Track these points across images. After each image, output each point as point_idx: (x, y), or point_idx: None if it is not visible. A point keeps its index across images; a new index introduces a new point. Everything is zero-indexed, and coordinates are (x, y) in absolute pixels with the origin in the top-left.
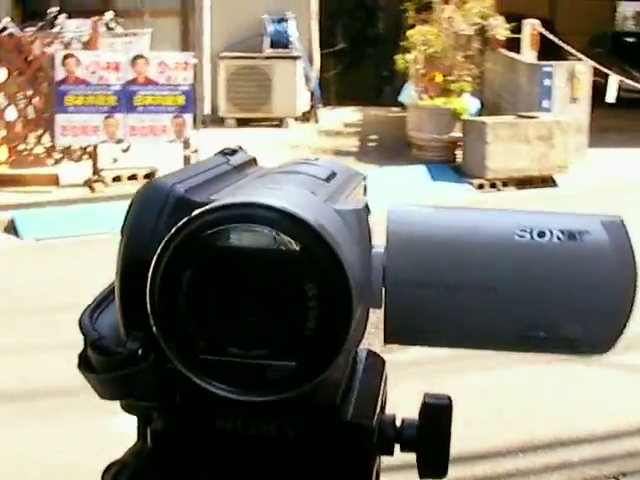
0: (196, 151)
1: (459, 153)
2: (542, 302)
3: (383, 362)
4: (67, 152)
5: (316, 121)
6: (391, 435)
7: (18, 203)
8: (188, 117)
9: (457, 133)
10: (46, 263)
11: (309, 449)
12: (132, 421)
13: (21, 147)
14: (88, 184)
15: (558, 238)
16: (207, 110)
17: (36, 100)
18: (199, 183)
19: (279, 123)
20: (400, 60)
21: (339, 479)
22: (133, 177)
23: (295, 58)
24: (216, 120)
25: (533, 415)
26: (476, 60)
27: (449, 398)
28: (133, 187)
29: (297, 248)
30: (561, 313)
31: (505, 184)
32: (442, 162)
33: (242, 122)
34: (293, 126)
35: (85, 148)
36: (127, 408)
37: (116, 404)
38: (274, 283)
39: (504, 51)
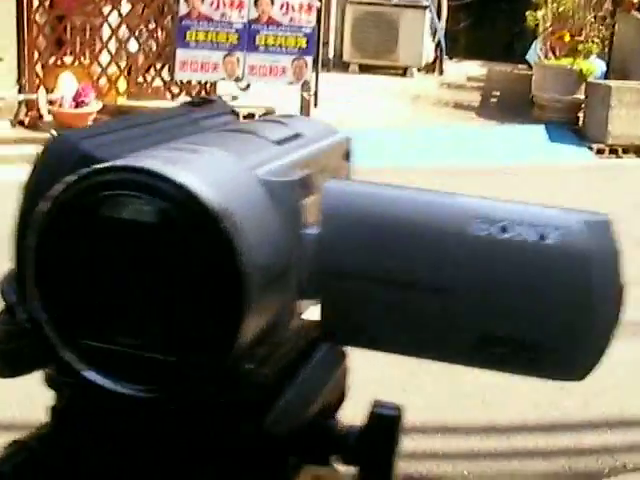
0: (315, 94)
1: (581, 116)
2: (502, 311)
3: (343, 356)
4: (185, 87)
5: (440, 73)
6: (324, 444)
7: None
8: (309, 60)
9: (581, 95)
10: None
11: (220, 450)
12: None
13: (140, 79)
14: None
15: (523, 235)
16: (331, 54)
17: (158, 34)
18: (122, 138)
19: (402, 72)
20: (530, 17)
21: None
22: (250, 116)
23: (423, 7)
24: (339, 65)
25: None
26: (607, 22)
27: (399, 408)
28: None
29: (181, 223)
30: (525, 326)
31: (625, 151)
32: (563, 124)
33: (365, 68)
34: (416, 76)
35: (203, 84)
36: (49, 383)
37: None
38: (153, 262)
39: (638, 14)
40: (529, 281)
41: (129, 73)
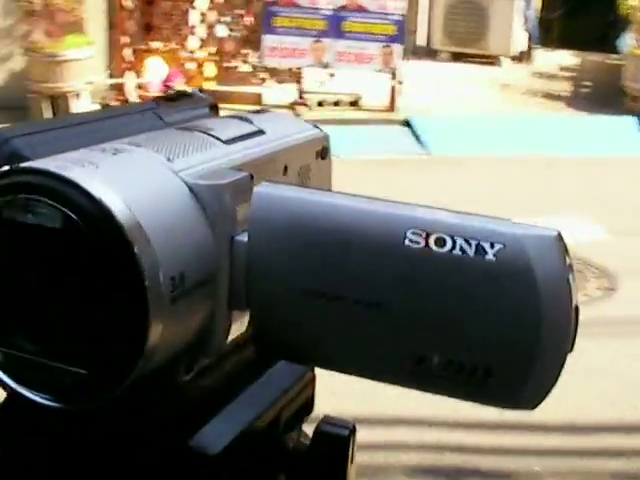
0: (401, 82)
1: None
2: (438, 331)
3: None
4: (273, 73)
5: (531, 62)
6: (271, 461)
7: None
8: (397, 47)
9: None
10: None
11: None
12: None
13: (228, 65)
14: (291, 106)
15: (461, 249)
16: (421, 42)
17: (247, 19)
18: (59, 137)
19: (493, 61)
20: (622, 5)
21: None
22: (337, 103)
23: None
24: (429, 52)
25: None
26: None
27: (352, 427)
28: (336, 113)
29: (83, 229)
30: (461, 349)
31: None
32: None
33: (455, 56)
34: (507, 65)
35: (291, 70)
36: None
37: None
38: (58, 268)
39: None
40: (467, 300)
41: (218, 58)
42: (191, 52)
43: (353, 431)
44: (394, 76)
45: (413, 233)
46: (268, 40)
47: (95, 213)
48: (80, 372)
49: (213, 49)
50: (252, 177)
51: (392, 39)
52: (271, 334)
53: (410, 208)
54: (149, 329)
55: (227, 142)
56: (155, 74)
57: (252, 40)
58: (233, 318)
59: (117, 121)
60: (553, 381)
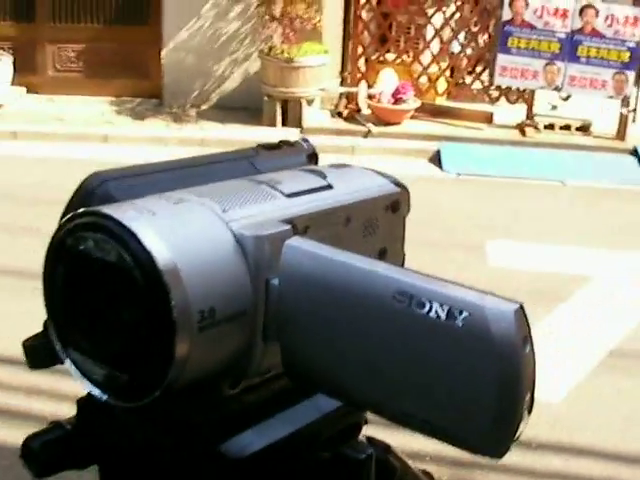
0: (635, 110)
1: None
2: (418, 384)
3: None
4: (504, 92)
5: None
6: (294, 474)
7: (447, 135)
8: (630, 74)
9: None
10: (462, 198)
11: (183, 469)
12: None
13: (460, 81)
14: (520, 127)
15: (436, 313)
16: None
17: (481, 37)
18: (148, 182)
19: None
20: None
21: None
22: (566, 127)
23: None
24: None
25: None
26: None
27: (369, 454)
28: (564, 137)
29: (131, 267)
30: (434, 402)
31: None
32: None
33: None
34: None
35: (522, 91)
36: None
37: None
38: (113, 294)
39: None
40: (435, 358)
41: (450, 74)
42: (424, 66)
43: (371, 456)
44: (626, 103)
45: (399, 294)
46: (501, 59)
47: (141, 255)
48: (124, 376)
49: (446, 64)
50: (306, 229)
51: (626, 66)
52: (296, 366)
53: (401, 271)
54: (175, 350)
55: (289, 196)
56: (387, 85)
57: (485, 58)
58: (272, 348)
59: (209, 168)
60: (512, 437)
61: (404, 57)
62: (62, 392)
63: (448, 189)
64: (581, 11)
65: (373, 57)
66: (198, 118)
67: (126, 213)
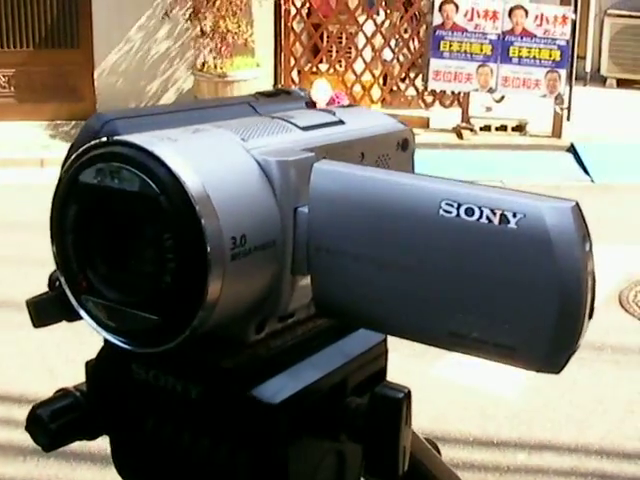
0: (568, 108)
1: None
2: (471, 295)
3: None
4: (438, 97)
5: None
6: (332, 421)
7: None
8: (562, 73)
9: None
10: None
11: (213, 416)
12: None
13: (394, 88)
14: (456, 130)
15: (488, 218)
16: (588, 68)
17: (412, 43)
18: (153, 122)
19: None
20: None
21: (244, 456)
22: (502, 128)
23: None
24: (597, 79)
25: None
26: None
27: (406, 392)
28: (501, 137)
29: (157, 194)
30: (491, 313)
31: None
32: None
33: (624, 83)
34: None
35: (457, 94)
36: None
37: None
38: (136, 228)
39: None
40: (490, 265)
41: (383, 81)
42: (357, 75)
43: (408, 395)
44: (560, 101)
45: (447, 203)
46: (434, 64)
47: (167, 181)
48: (151, 318)
49: (379, 72)
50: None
51: (557, 64)
52: (327, 297)
53: (444, 182)
54: (208, 281)
55: (304, 129)
56: (321, 96)
57: (418, 64)
58: (299, 283)
59: (212, 110)
60: (574, 346)
61: (337, 66)
62: None
63: None
64: (510, 12)
65: (306, 68)
66: None
67: (146, 139)
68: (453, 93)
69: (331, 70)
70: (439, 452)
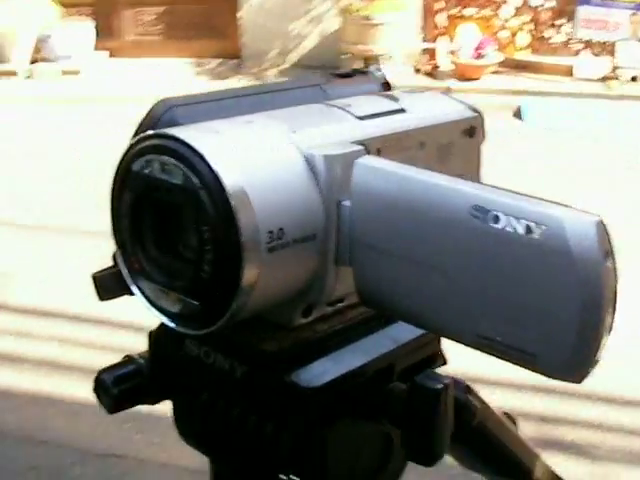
0: None
1: None
2: (496, 301)
3: None
4: (587, 45)
5: None
6: (374, 406)
7: (529, 90)
8: None
9: None
10: (544, 151)
11: (257, 396)
12: None
13: (542, 35)
14: (604, 80)
15: (513, 227)
16: None
17: None
18: (214, 109)
19: None
20: None
21: (285, 437)
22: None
23: None
24: None
25: None
26: None
27: (446, 383)
28: None
29: (198, 188)
30: (515, 319)
31: None
32: None
33: None
34: None
35: (605, 43)
36: None
37: None
38: (179, 218)
39: None
40: (513, 273)
41: (532, 28)
42: (505, 20)
43: (447, 387)
44: None
45: (475, 209)
46: (582, 11)
47: (207, 175)
48: (193, 302)
49: (527, 18)
50: (378, 152)
51: None
52: (367, 288)
53: (479, 187)
54: (242, 271)
55: (360, 118)
56: (467, 41)
57: (567, 11)
58: (344, 273)
59: (279, 94)
60: (592, 360)
61: (485, 11)
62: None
63: (530, 143)
64: None
65: (453, 12)
66: (278, 77)
67: (191, 133)
68: (601, 42)
69: (478, 15)
70: (516, 425)
